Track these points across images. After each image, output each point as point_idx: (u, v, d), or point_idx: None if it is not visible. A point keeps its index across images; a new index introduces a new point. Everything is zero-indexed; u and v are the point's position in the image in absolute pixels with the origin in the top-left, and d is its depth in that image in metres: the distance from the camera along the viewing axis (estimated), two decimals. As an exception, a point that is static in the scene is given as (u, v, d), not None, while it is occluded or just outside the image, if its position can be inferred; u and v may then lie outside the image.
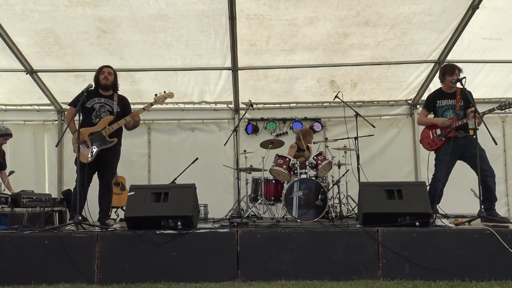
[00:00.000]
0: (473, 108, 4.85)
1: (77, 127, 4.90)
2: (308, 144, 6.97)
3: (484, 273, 3.96)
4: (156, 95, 5.41)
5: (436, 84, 5.83)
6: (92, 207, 5.11)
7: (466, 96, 5.10)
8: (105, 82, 5.20)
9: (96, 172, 5.22)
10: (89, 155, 4.96)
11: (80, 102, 4.82)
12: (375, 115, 7.87)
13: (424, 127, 5.66)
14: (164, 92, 5.43)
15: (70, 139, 5.32)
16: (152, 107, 7.59)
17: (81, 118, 4.85)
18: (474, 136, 4.85)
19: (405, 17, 6.12)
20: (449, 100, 5.39)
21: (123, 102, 5.34)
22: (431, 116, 5.60)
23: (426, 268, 3.99)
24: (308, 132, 7.14)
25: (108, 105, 5.19)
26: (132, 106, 5.50)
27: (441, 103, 5.42)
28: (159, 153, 8.00)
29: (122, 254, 4.16)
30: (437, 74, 5.74)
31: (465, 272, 3.96)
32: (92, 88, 5.07)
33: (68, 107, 5.44)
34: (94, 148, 5.02)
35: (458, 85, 5.15)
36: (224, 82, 7.41)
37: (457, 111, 5.31)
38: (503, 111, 5.42)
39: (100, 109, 5.13)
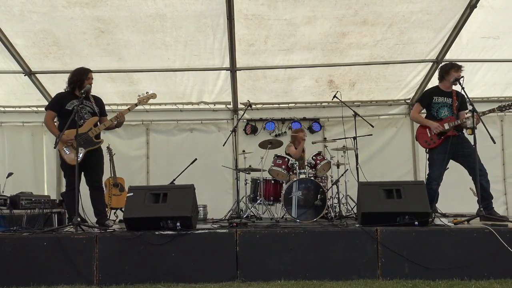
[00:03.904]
0: (466, 111, 4.88)
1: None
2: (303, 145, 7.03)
3: (483, 272, 3.96)
4: (139, 95, 5.46)
5: (434, 83, 5.83)
6: (87, 209, 5.11)
7: (462, 98, 5.12)
8: (89, 88, 5.18)
9: (84, 175, 5.19)
10: (77, 157, 4.94)
11: (77, 105, 4.81)
12: (374, 114, 7.87)
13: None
14: (147, 93, 5.47)
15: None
16: (151, 108, 7.72)
17: (57, 121, 4.91)
18: (472, 136, 4.86)
19: (403, 16, 6.12)
20: (446, 98, 5.39)
21: (100, 102, 5.38)
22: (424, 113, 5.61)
23: (425, 267, 3.99)
24: (299, 130, 7.16)
25: (88, 107, 5.20)
26: (131, 107, 5.51)
27: (438, 100, 5.42)
28: (157, 154, 7.99)
29: (121, 255, 4.16)
30: (436, 74, 5.75)
31: (464, 271, 3.97)
32: (87, 90, 5.06)
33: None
34: (82, 149, 5.00)
35: (454, 87, 5.18)
36: (223, 83, 7.40)
37: (454, 110, 5.31)
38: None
39: (82, 111, 5.10)
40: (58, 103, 5.14)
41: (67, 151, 4.93)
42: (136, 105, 5.42)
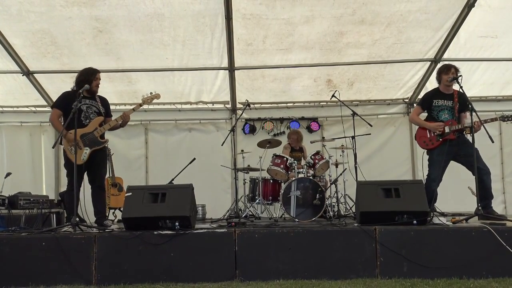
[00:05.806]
0: (467, 113, 4.89)
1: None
2: (300, 145, 7.03)
3: (482, 270, 3.97)
4: (143, 96, 5.44)
5: (432, 82, 5.84)
6: (88, 208, 5.10)
7: (463, 99, 5.11)
8: (96, 89, 5.22)
9: (87, 174, 5.20)
10: (82, 156, 4.95)
11: (76, 104, 4.79)
12: (372, 114, 7.88)
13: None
14: (151, 93, 5.44)
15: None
16: (149, 107, 7.70)
17: (62, 119, 4.92)
18: (471, 135, 4.86)
19: (401, 15, 6.13)
20: (446, 101, 5.37)
21: (105, 103, 5.38)
22: (425, 114, 5.60)
23: (423, 266, 4.00)
24: (296, 133, 7.18)
25: (94, 106, 5.21)
26: (129, 107, 5.50)
27: (438, 103, 5.40)
28: (156, 154, 7.99)
29: (120, 255, 4.16)
30: (434, 73, 5.75)
31: (463, 270, 3.97)
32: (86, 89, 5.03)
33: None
34: (87, 149, 5.01)
35: (455, 87, 5.16)
36: (221, 82, 7.40)
37: (456, 113, 5.30)
38: (500, 110, 5.43)
39: (88, 110, 5.13)
40: (63, 102, 5.14)
41: (72, 150, 4.94)
42: (140, 105, 5.39)
